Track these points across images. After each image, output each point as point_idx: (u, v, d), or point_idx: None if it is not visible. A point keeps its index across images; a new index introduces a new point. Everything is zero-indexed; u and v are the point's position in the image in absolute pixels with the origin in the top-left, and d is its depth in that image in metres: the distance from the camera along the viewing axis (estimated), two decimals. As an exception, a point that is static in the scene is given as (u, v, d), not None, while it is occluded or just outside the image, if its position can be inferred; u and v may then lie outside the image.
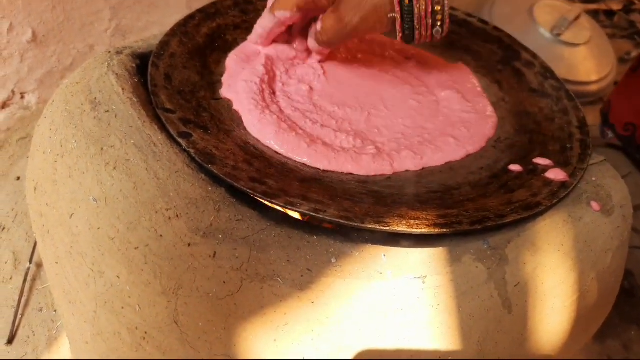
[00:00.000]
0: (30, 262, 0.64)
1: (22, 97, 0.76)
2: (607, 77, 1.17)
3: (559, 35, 1.13)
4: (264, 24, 0.53)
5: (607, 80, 1.17)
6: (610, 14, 1.49)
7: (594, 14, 1.45)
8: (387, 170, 0.45)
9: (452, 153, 0.48)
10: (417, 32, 0.47)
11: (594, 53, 1.16)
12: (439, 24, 0.47)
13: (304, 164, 0.45)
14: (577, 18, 1.16)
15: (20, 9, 0.70)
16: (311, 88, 0.54)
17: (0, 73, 0.72)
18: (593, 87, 1.15)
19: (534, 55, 0.63)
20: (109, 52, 0.51)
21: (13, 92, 0.75)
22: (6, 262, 0.66)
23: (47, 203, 0.41)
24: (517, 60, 0.63)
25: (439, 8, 0.46)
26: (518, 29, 1.13)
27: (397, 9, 0.46)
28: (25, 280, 0.63)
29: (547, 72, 0.61)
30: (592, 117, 1.13)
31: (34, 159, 0.45)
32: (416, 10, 0.46)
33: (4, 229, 0.68)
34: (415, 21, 0.46)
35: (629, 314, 0.79)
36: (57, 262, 0.40)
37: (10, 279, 0.64)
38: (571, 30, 1.14)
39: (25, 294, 0.63)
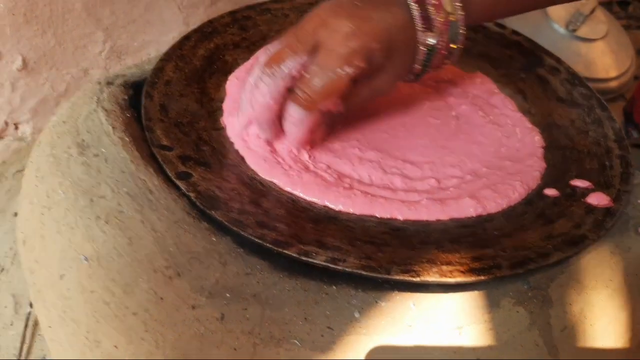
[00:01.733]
0: (31, 305, 0.61)
1: (17, 128, 0.73)
2: (627, 72, 1.11)
3: (574, 30, 1.08)
4: (308, 123, 0.41)
5: (627, 75, 1.11)
6: (624, 4, 1.43)
7: (607, 5, 1.39)
8: (420, 214, 0.40)
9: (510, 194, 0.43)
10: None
11: (611, 48, 1.11)
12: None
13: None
14: (592, 12, 1.11)
15: (8, 36, 0.66)
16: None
17: (-9, 104, 0.69)
18: (613, 84, 1.09)
19: (558, 60, 0.59)
20: (99, 83, 0.47)
21: (6, 123, 0.71)
22: (6, 307, 0.62)
23: (36, 260, 0.37)
24: (540, 67, 0.58)
25: (454, 47, 0.43)
26: (530, 26, 1.07)
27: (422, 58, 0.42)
28: (26, 325, 0.59)
29: (575, 79, 0.56)
30: (613, 114, 1.07)
31: (21, 208, 0.41)
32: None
33: (2, 270, 0.65)
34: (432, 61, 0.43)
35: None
36: (50, 327, 0.36)
37: (11, 324, 0.61)
38: (587, 25, 1.09)
39: (27, 340, 0.59)
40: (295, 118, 0.40)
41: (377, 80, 0.42)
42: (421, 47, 0.41)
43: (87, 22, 0.72)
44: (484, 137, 0.50)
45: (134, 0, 0.74)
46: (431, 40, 0.41)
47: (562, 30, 1.07)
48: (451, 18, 0.41)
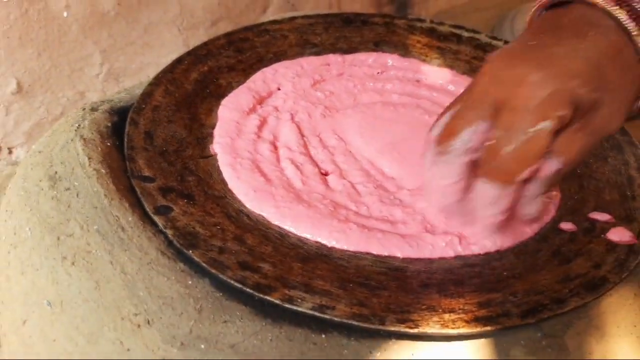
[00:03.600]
0: None
1: (10, 153, 0.71)
2: (646, 89, 1.07)
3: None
4: (507, 200, 0.33)
5: (646, 93, 1.07)
6: None
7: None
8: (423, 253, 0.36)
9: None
10: None
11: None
12: None
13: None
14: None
15: (2, 59, 0.65)
16: (321, 139, 0.47)
17: (-16, 129, 0.67)
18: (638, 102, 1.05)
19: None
20: (84, 109, 0.45)
21: (-1, 147, 0.70)
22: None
23: (2, 301, 0.34)
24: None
25: None
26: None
27: None
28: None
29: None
30: (636, 134, 1.03)
31: (-7, 243, 0.38)
32: None
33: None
34: None
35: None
36: (12, 375, 0.33)
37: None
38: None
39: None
40: (490, 196, 0.33)
41: (596, 119, 0.32)
42: None
43: (84, 44, 0.70)
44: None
45: (132, 22, 0.73)
46: None
47: (576, 47, 1.03)
48: None
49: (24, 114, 0.69)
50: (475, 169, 0.33)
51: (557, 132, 0.31)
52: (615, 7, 0.32)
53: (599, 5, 0.33)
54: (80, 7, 0.67)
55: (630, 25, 0.32)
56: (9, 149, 0.70)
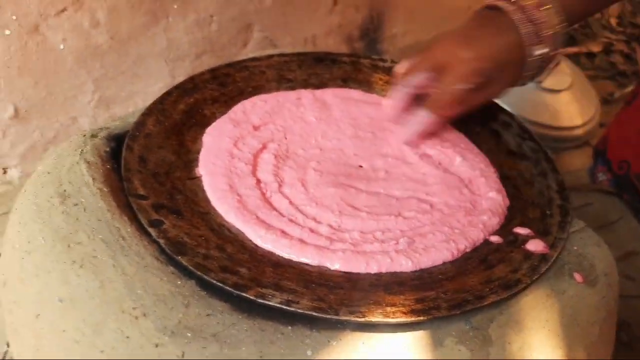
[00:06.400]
0: (8, 345, 0.62)
1: (5, 172, 0.76)
2: (592, 120, 1.18)
3: (540, 82, 1.14)
4: (430, 124, 0.54)
5: (591, 123, 1.17)
6: (591, 55, 1.52)
7: (574, 57, 1.48)
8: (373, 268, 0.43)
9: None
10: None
11: (576, 97, 1.17)
12: None
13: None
14: (557, 64, 1.18)
15: (1, 87, 0.71)
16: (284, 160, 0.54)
17: (-18, 150, 0.73)
18: (578, 132, 1.15)
19: (511, 116, 0.64)
20: (84, 135, 0.51)
21: (-5, 168, 0.75)
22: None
23: (15, 301, 0.40)
24: (494, 121, 0.63)
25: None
26: (500, 78, 1.14)
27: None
28: (2, 365, 0.61)
29: (525, 133, 0.61)
30: (580, 161, 1.13)
31: (4, 252, 0.44)
32: None
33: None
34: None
35: (630, 368, 0.76)
36: (23, 364, 0.39)
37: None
38: (552, 77, 1.15)
39: (3, 380, 0.61)
40: (422, 118, 0.53)
41: (490, 88, 0.54)
42: (533, 58, 0.53)
43: (78, 74, 0.77)
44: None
45: (123, 55, 0.80)
46: (543, 50, 0.52)
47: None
48: (557, 29, 0.52)
49: (19, 138, 0.75)
50: (420, 102, 0.55)
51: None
52: (519, 20, 0.52)
53: (510, 17, 0.52)
54: (75, 40, 0.74)
55: (523, 26, 0.52)
56: (3, 169, 0.76)
